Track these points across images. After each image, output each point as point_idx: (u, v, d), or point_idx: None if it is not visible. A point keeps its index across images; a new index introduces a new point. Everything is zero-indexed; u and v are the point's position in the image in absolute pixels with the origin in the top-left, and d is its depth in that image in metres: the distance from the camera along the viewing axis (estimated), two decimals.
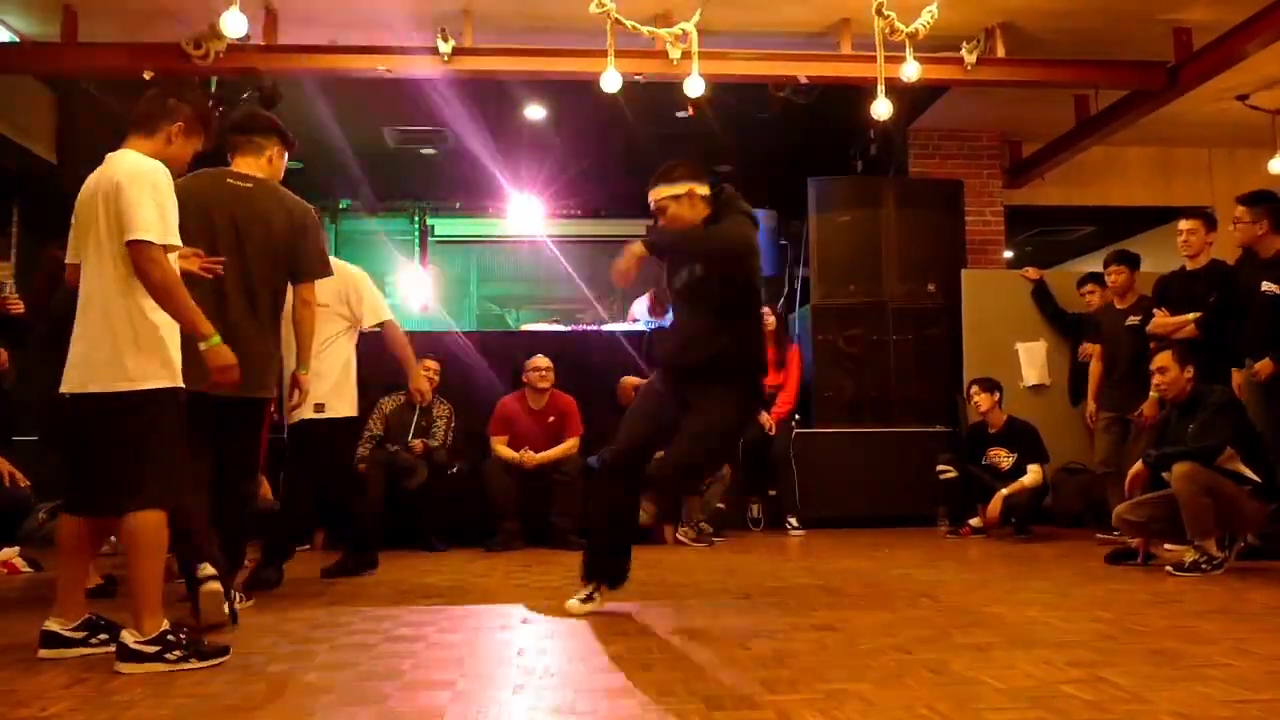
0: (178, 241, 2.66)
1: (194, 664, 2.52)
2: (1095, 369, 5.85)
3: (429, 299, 10.16)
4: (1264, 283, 4.60)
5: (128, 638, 2.51)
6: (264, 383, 3.38)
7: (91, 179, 2.70)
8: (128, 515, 2.55)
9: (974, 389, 6.00)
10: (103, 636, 2.68)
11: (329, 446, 4.29)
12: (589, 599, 3.31)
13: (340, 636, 2.93)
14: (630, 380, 6.23)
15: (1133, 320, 5.56)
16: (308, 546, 5.54)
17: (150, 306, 2.61)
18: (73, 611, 2.69)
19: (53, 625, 2.66)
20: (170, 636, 2.53)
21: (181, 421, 2.67)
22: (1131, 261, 5.74)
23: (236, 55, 5.57)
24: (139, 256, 2.56)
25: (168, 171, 2.68)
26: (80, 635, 2.68)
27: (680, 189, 3.31)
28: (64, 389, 2.61)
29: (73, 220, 2.73)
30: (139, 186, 2.58)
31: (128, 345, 2.57)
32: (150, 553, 2.56)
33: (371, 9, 5.55)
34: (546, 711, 2.11)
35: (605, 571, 3.36)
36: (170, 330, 2.66)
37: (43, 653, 2.63)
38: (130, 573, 2.57)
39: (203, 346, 2.68)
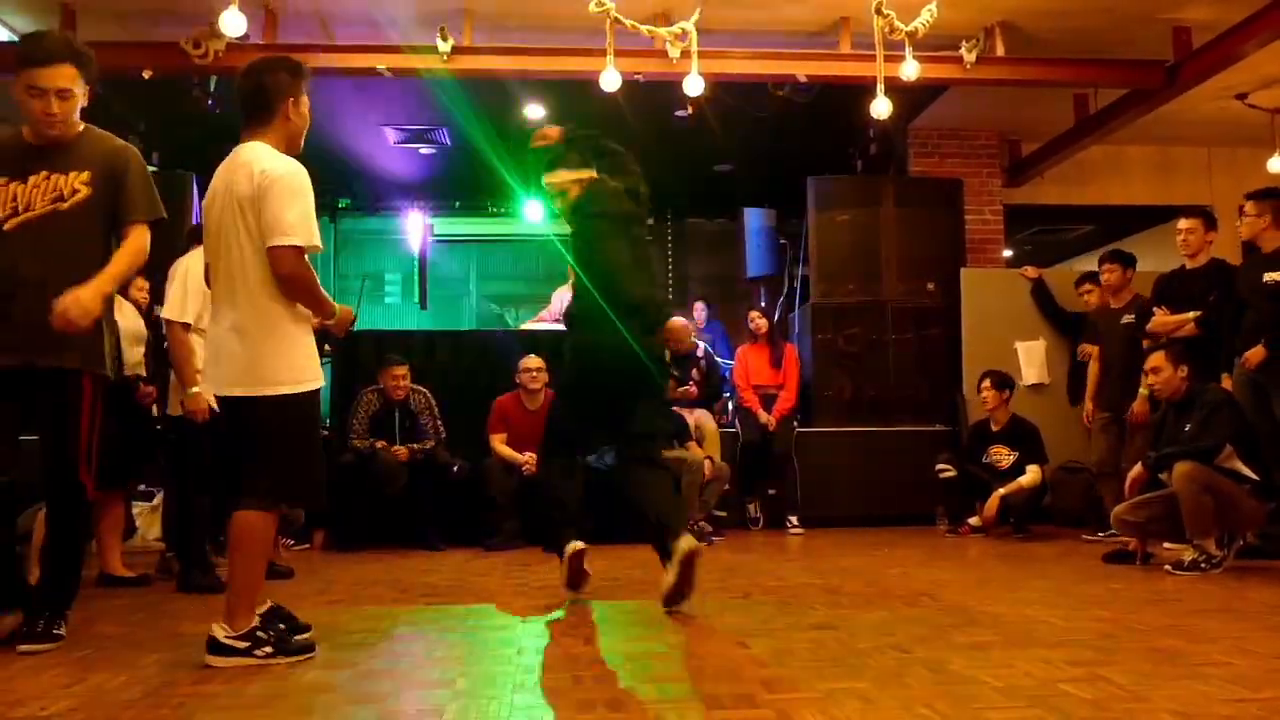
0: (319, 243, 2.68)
1: (280, 660, 2.55)
2: (1094, 370, 5.83)
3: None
4: (1265, 274, 4.62)
5: (218, 631, 2.54)
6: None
7: (218, 180, 2.72)
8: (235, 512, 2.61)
9: (985, 382, 5.98)
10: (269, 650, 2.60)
11: None
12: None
13: (340, 636, 2.93)
14: None
15: (1127, 319, 5.57)
16: (307, 546, 5.55)
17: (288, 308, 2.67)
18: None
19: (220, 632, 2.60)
20: (260, 634, 2.57)
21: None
22: (1125, 260, 5.72)
23: (236, 54, 5.56)
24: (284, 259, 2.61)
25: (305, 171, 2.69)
26: (245, 645, 2.60)
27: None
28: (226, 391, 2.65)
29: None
30: (281, 189, 2.61)
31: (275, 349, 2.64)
32: (251, 551, 2.60)
33: (371, 8, 5.55)
34: (546, 711, 2.11)
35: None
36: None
37: (211, 660, 2.56)
38: (231, 569, 2.62)
39: (332, 323, 2.81)
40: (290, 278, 2.61)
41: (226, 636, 2.53)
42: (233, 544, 2.62)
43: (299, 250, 2.60)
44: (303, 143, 2.84)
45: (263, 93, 2.72)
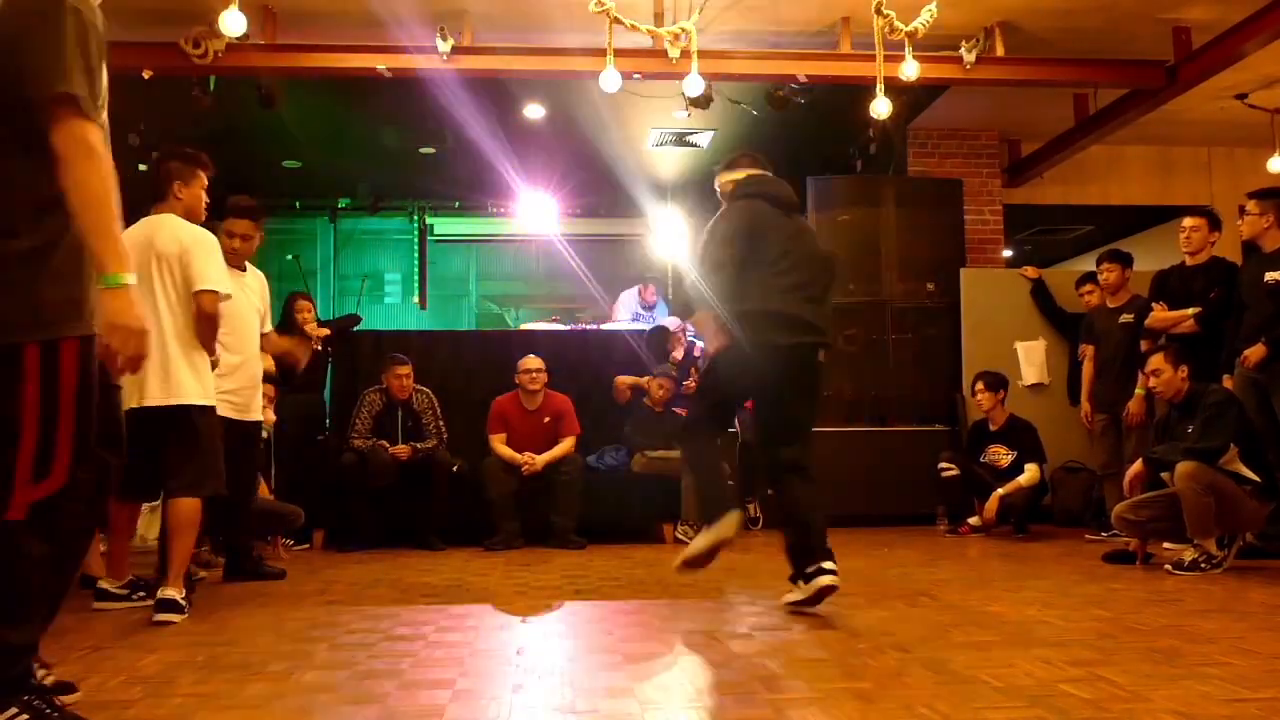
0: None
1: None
2: (1087, 370, 5.86)
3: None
4: (1266, 274, 4.62)
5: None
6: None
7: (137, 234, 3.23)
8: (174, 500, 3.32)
9: (979, 385, 5.99)
10: (142, 594, 3.38)
11: None
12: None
13: (340, 636, 2.93)
14: (624, 379, 6.28)
15: (1125, 318, 5.58)
16: (307, 546, 5.55)
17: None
18: (122, 574, 3.46)
19: (104, 584, 3.39)
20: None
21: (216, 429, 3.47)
22: (1124, 259, 5.74)
23: (235, 54, 5.56)
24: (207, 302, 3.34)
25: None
26: (125, 592, 3.40)
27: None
28: (151, 402, 3.24)
29: None
30: (200, 250, 3.36)
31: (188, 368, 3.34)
32: (186, 530, 3.33)
33: (371, 8, 5.54)
34: (546, 711, 2.11)
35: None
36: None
37: (97, 605, 3.35)
38: (173, 545, 3.27)
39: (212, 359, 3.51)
40: (210, 316, 3.33)
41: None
42: (175, 528, 3.28)
43: (218, 295, 3.34)
44: (203, 214, 3.50)
45: (155, 179, 3.44)
